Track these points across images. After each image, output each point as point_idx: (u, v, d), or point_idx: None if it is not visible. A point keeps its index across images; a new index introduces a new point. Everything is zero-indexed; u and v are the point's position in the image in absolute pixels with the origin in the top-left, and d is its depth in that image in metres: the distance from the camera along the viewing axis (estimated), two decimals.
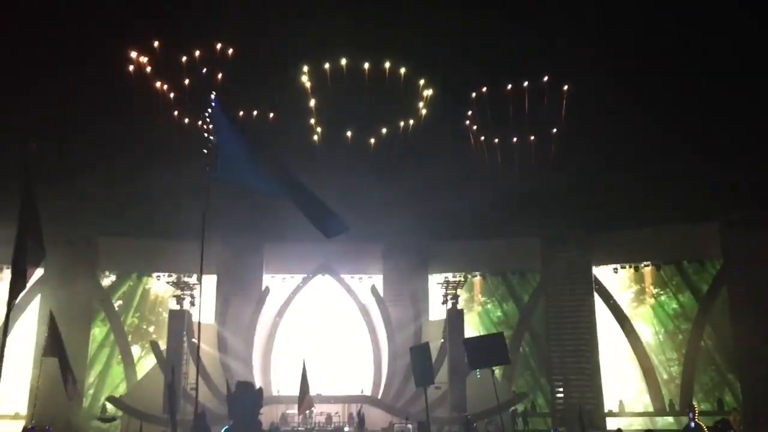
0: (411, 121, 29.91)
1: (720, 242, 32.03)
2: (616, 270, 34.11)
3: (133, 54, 26.88)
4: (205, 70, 27.05)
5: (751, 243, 30.46)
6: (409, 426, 27.11)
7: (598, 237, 33.64)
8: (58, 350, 14.41)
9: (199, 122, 23.74)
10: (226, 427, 19.79)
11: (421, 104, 29.42)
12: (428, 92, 29.11)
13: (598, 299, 33.81)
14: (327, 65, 27.85)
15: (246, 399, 18.76)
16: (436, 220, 32.87)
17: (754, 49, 24.87)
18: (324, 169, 29.96)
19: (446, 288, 32.44)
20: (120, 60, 26.88)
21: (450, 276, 33.38)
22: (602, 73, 25.29)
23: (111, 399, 31.37)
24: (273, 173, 8.94)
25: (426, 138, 30.82)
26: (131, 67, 26.96)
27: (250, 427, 18.28)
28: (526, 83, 28.39)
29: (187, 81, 27.28)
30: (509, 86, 28.75)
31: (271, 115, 29.18)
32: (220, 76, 27.28)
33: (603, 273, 34.25)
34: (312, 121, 29.70)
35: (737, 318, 30.80)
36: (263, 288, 35.03)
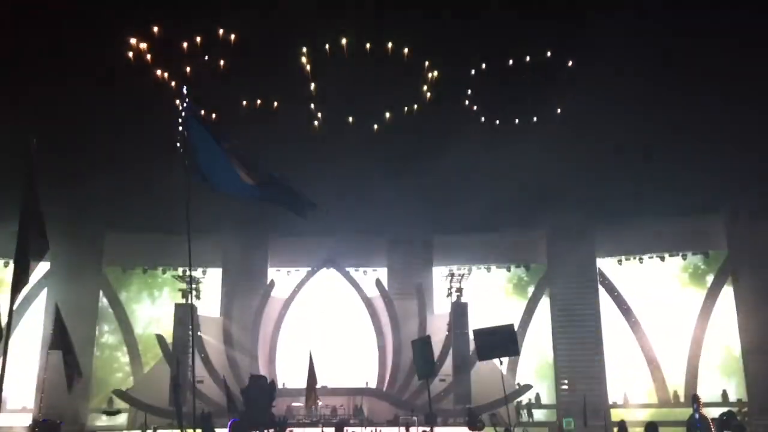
0: (415, 106, 29.28)
1: (725, 233, 32.04)
2: (620, 261, 34.19)
3: (132, 41, 26.40)
4: (207, 57, 26.57)
5: (757, 233, 30.42)
6: (415, 418, 27.19)
7: (603, 229, 33.59)
8: (64, 343, 14.52)
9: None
10: (234, 419, 19.95)
11: (425, 87, 28.76)
12: (434, 74, 28.33)
13: (602, 291, 33.85)
14: (327, 45, 27.09)
15: (259, 392, 18.91)
16: (440, 212, 32.88)
17: (759, 38, 24.59)
18: (329, 161, 29.80)
19: (451, 280, 32.56)
20: (122, 50, 26.50)
21: (455, 268, 33.48)
22: (605, 55, 24.83)
23: (117, 392, 31.55)
24: (247, 174, 9.02)
25: (431, 130, 30.55)
26: (130, 54, 26.50)
27: (264, 419, 18.41)
28: (528, 58, 27.30)
29: (188, 69, 26.87)
30: (510, 62, 27.59)
31: (275, 104, 28.80)
32: (221, 62, 26.79)
33: (607, 265, 34.33)
34: (312, 105, 29.16)
35: (742, 309, 30.82)
36: (268, 281, 35.16)
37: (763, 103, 25.61)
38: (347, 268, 35.47)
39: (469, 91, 28.55)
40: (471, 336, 31.09)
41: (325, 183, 28.39)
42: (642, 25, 24.51)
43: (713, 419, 17.40)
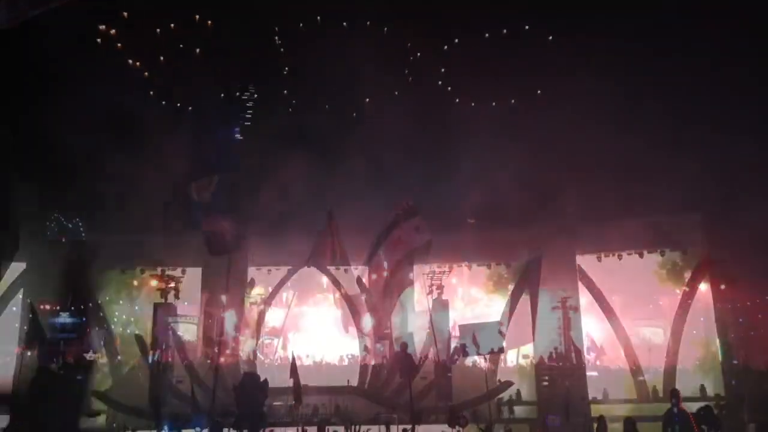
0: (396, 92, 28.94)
1: (703, 231, 32.31)
2: (599, 258, 34.36)
3: (102, 27, 25.79)
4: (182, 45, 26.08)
5: (734, 230, 30.67)
6: (395, 416, 27.13)
7: (583, 226, 33.74)
8: (39, 340, 14.31)
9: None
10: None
11: (407, 71, 28.34)
12: (414, 56, 27.82)
13: (582, 287, 34.04)
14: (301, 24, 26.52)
15: (253, 388, 18.81)
16: (421, 211, 32.92)
17: (738, 37, 24.81)
18: (312, 164, 29.67)
19: (431, 278, 32.58)
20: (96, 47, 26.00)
21: (435, 267, 33.46)
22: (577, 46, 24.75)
23: (96, 393, 31.14)
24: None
25: (409, 133, 30.52)
26: (99, 41, 25.92)
27: (257, 415, 18.34)
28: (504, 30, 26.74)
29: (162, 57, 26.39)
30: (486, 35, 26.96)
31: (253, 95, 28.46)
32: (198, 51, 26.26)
33: (587, 261, 34.53)
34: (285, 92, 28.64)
35: (719, 305, 31.14)
36: (248, 280, 34.93)
37: (743, 102, 25.88)
38: (328, 266, 35.32)
39: (443, 70, 27.91)
40: (452, 333, 31.35)
41: (309, 183, 28.38)
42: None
43: (692, 413, 17.66)
